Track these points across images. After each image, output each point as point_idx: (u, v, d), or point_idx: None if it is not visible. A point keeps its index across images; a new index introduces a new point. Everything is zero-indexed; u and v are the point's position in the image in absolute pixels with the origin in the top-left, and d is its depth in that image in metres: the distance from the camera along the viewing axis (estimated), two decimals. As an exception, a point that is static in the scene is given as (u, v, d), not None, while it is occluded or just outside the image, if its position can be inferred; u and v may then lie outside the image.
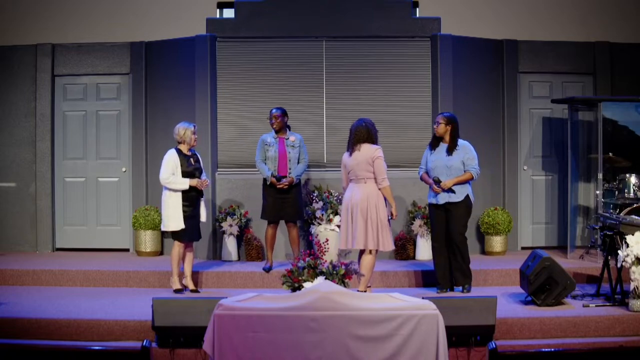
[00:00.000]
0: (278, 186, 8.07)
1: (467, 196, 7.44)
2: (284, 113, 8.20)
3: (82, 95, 9.84)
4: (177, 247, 7.53)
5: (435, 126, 7.54)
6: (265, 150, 8.19)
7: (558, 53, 9.77)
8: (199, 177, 7.57)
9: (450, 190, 7.37)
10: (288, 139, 8.23)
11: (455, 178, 7.37)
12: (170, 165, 7.47)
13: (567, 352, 5.57)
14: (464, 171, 7.40)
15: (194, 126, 7.61)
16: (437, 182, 7.31)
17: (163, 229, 7.63)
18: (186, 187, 7.45)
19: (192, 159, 7.59)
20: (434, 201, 7.48)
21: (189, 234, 7.53)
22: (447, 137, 7.48)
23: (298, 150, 8.22)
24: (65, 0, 10.25)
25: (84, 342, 6.25)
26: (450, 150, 7.44)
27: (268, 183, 8.13)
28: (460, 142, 7.48)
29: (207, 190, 8.93)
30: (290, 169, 8.15)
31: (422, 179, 7.63)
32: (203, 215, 7.69)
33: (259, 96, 9.22)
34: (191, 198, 7.51)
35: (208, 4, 10.28)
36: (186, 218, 7.47)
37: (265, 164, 8.16)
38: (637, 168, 8.83)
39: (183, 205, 7.47)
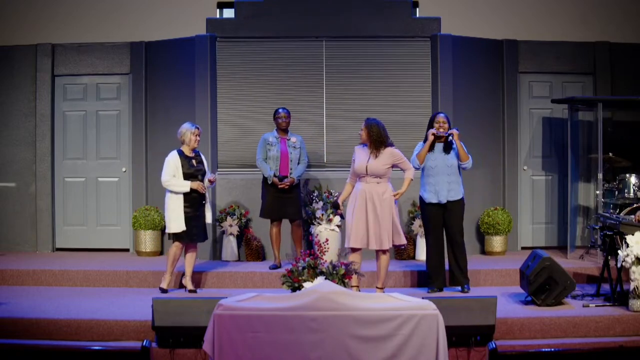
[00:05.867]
0: (279, 186, 8.12)
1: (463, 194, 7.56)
2: (289, 113, 8.32)
3: (82, 95, 9.84)
4: (174, 247, 7.54)
5: (437, 125, 7.55)
6: (267, 150, 8.23)
7: (558, 53, 9.77)
8: (201, 179, 7.56)
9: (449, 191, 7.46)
10: (289, 139, 8.32)
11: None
12: (170, 167, 7.48)
13: (567, 352, 5.58)
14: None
15: (197, 128, 7.59)
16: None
17: (167, 231, 7.64)
18: (187, 189, 7.46)
19: (194, 161, 7.59)
20: (434, 200, 7.45)
21: (189, 235, 7.53)
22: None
23: (299, 152, 8.32)
24: (65, 0, 10.25)
25: (84, 342, 6.24)
26: (446, 149, 7.59)
27: (270, 182, 8.16)
28: None
29: (208, 190, 8.93)
30: (291, 169, 8.24)
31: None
32: (208, 217, 7.69)
33: (259, 96, 9.21)
34: (193, 199, 7.51)
35: (208, 4, 10.27)
36: (188, 219, 7.48)
37: (267, 163, 8.19)
38: (637, 168, 8.83)
39: (184, 207, 7.47)
